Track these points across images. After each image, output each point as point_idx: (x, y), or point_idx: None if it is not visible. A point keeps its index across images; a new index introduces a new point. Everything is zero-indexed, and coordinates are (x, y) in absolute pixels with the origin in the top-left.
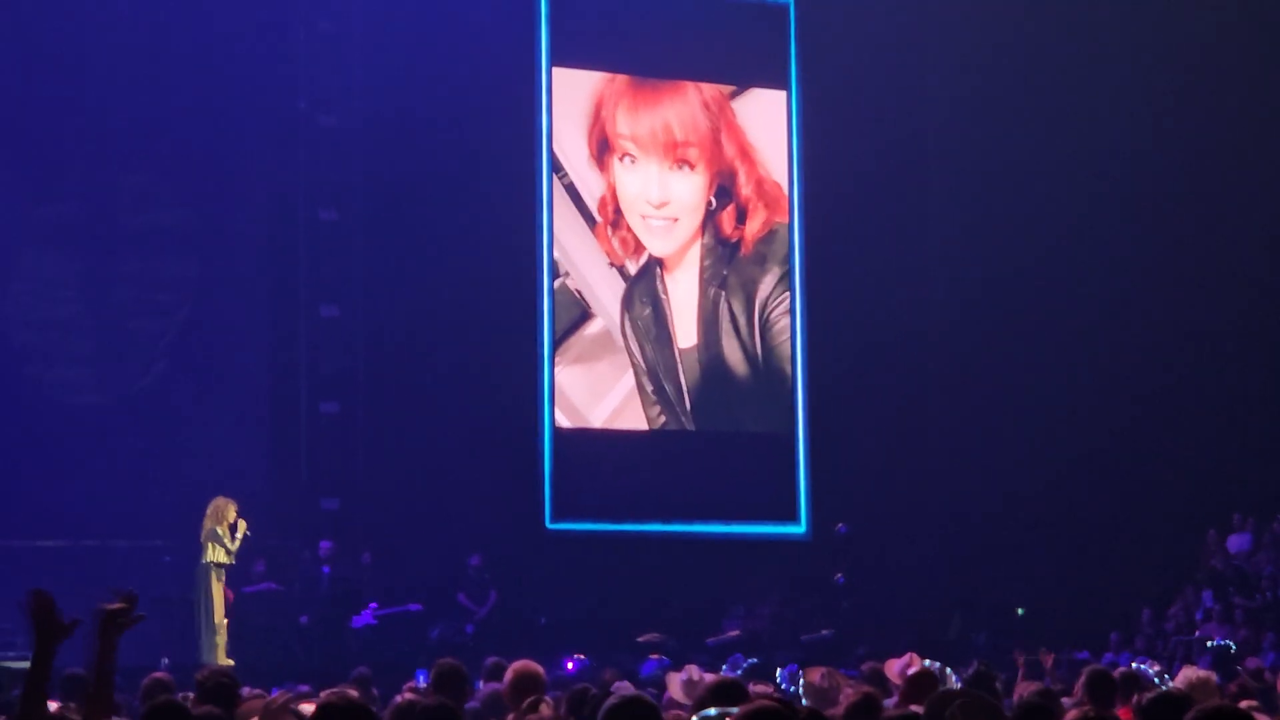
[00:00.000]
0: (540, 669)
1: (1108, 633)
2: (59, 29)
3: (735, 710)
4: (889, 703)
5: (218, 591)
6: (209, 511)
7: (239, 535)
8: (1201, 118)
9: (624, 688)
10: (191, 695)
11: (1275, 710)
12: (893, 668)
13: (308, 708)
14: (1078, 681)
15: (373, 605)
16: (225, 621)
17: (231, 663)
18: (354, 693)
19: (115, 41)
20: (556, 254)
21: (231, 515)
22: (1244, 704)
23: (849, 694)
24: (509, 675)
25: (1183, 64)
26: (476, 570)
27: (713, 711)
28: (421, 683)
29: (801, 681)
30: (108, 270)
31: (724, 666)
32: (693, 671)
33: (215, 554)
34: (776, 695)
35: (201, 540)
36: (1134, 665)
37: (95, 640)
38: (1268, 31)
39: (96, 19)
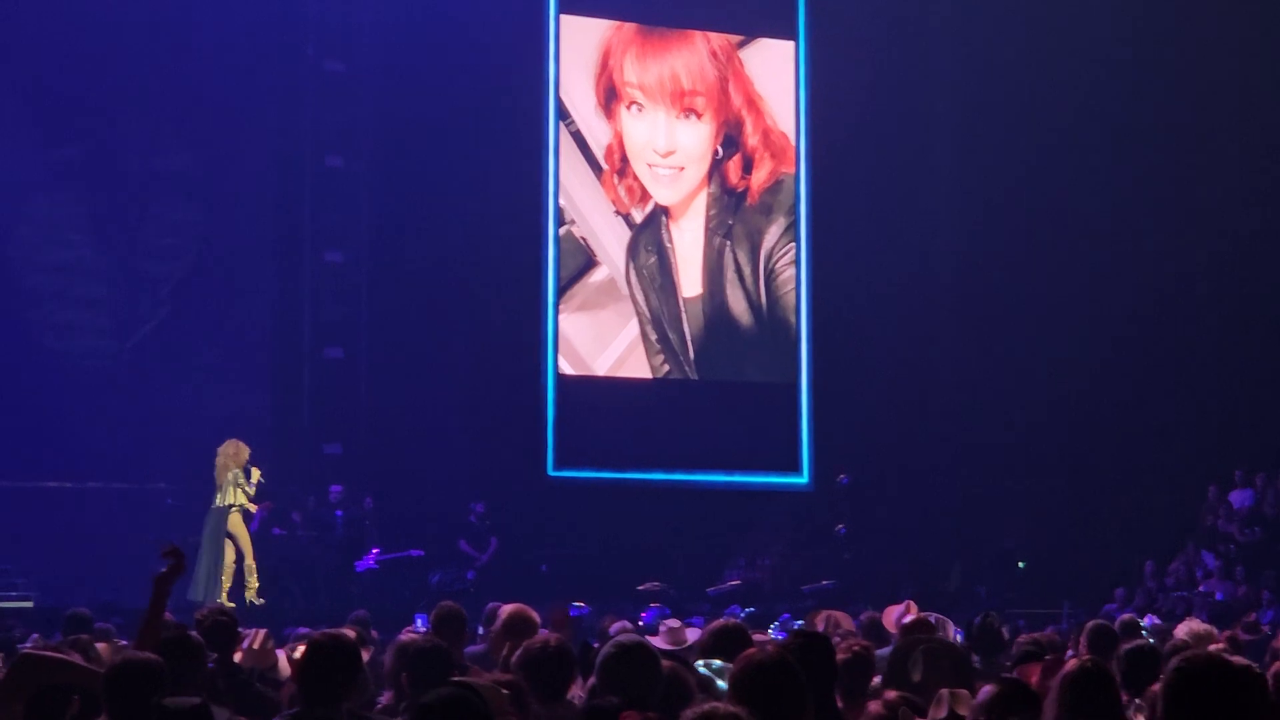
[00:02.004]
0: (534, 613)
1: (1109, 587)
2: None
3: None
4: (884, 651)
5: (243, 532)
6: (230, 453)
7: (254, 480)
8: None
9: (621, 627)
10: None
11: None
12: (890, 616)
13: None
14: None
15: (375, 550)
16: (254, 564)
17: (263, 601)
18: (351, 634)
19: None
20: (562, 201)
21: (245, 457)
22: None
23: (840, 645)
24: (501, 617)
25: (1196, 27)
26: (479, 517)
27: (717, 663)
28: (421, 626)
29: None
30: (114, 215)
31: (723, 616)
32: (673, 623)
33: (236, 496)
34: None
35: (218, 482)
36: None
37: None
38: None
39: None
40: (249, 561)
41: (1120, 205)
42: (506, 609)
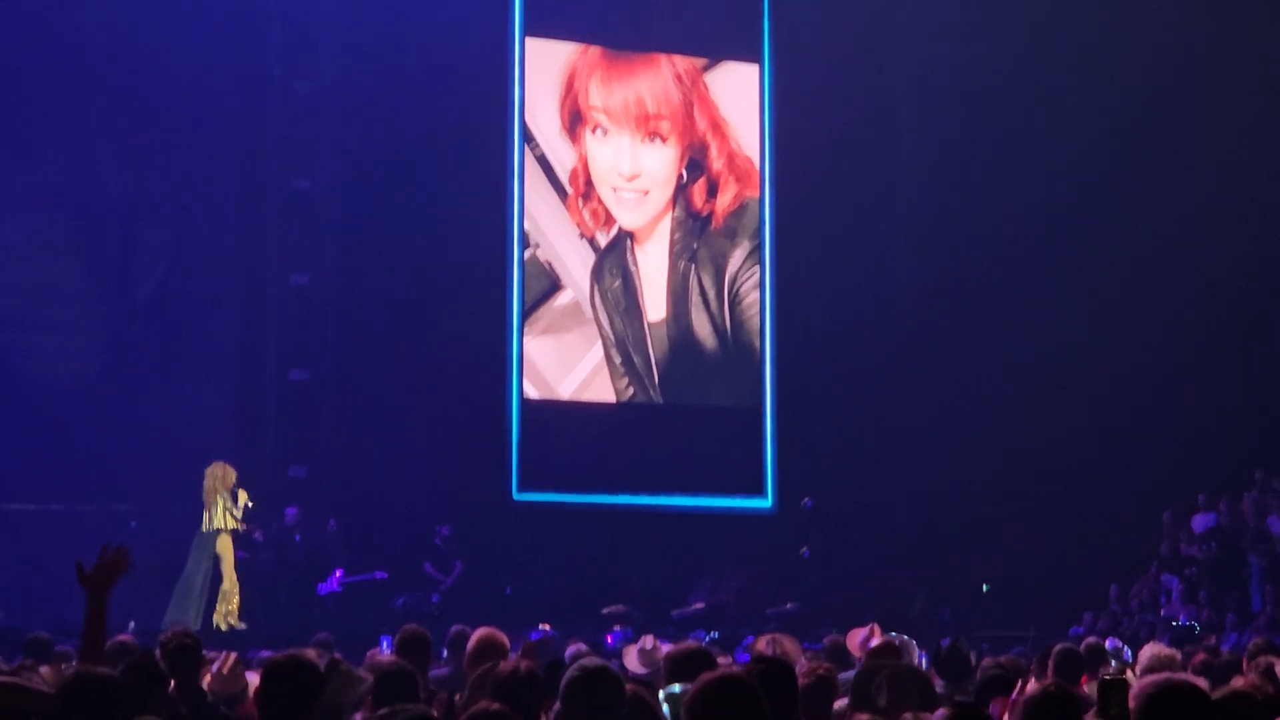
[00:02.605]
0: (504, 637)
1: (1075, 610)
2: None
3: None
4: (848, 675)
5: (228, 556)
6: (217, 475)
7: (241, 504)
8: (1169, 101)
9: (579, 650)
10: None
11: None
12: (854, 639)
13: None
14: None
15: (338, 573)
16: (237, 586)
17: (244, 626)
18: (312, 655)
19: (88, 9)
20: (527, 225)
21: (232, 480)
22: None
23: (803, 667)
24: (472, 642)
25: (1156, 41)
26: (445, 540)
27: (677, 688)
28: (386, 649)
29: (751, 650)
30: (79, 237)
31: (689, 640)
32: (646, 641)
33: (225, 520)
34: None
35: (206, 505)
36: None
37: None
38: (1237, 21)
39: None
40: (225, 586)
41: (1083, 241)
42: (476, 634)
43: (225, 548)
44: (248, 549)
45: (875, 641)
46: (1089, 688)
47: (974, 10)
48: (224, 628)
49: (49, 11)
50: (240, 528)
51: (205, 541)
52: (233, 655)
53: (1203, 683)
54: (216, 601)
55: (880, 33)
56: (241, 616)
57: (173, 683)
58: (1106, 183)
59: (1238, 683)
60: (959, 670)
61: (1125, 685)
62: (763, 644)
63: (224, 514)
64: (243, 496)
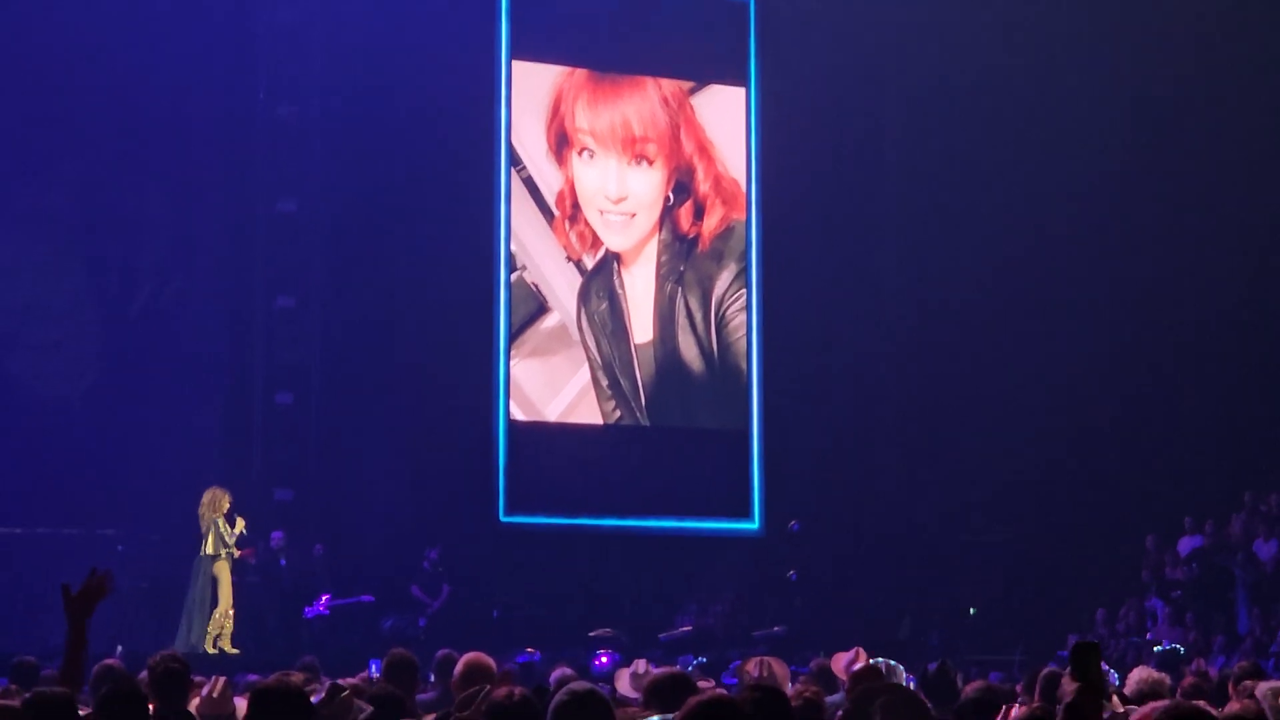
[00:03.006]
0: (491, 661)
1: (1059, 633)
2: (16, 17)
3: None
4: (835, 698)
5: (224, 580)
6: (206, 501)
7: (237, 530)
8: (1152, 115)
9: (564, 674)
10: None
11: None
12: (839, 662)
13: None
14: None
15: (325, 596)
16: (232, 611)
17: (237, 651)
18: (299, 678)
19: (77, 32)
20: (514, 247)
21: (225, 505)
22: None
23: (791, 690)
24: (459, 667)
25: (1138, 56)
26: (433, 563)
27: (656, 718)
28: (375, 673)
29: (739, 672)
30: (64, 260)
31: (677, 664)
32: (639, 665)
33: (215, 546)
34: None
35: (203, 530)
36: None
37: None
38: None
39: (62, 10)
40: (218, 611)
41: (1069, 269)
42: (464, 659)
43: (221, 571)
44: (237, 573)
45: (860, 665)
46: None
47: (960, 34)
48: (213, 651)
49: (40, 33)
50: (224, 553)
51: (201, 565)
52: (222, 680)
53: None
54: (209, 624)
55: (866, 56)
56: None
57: (153, 707)
58: (1097, 210)
59: (1232, 707)
60: (945, 693)
61: (1097, 648)
62: (751, 666)
63: (214, 540)
64: (240, 523)
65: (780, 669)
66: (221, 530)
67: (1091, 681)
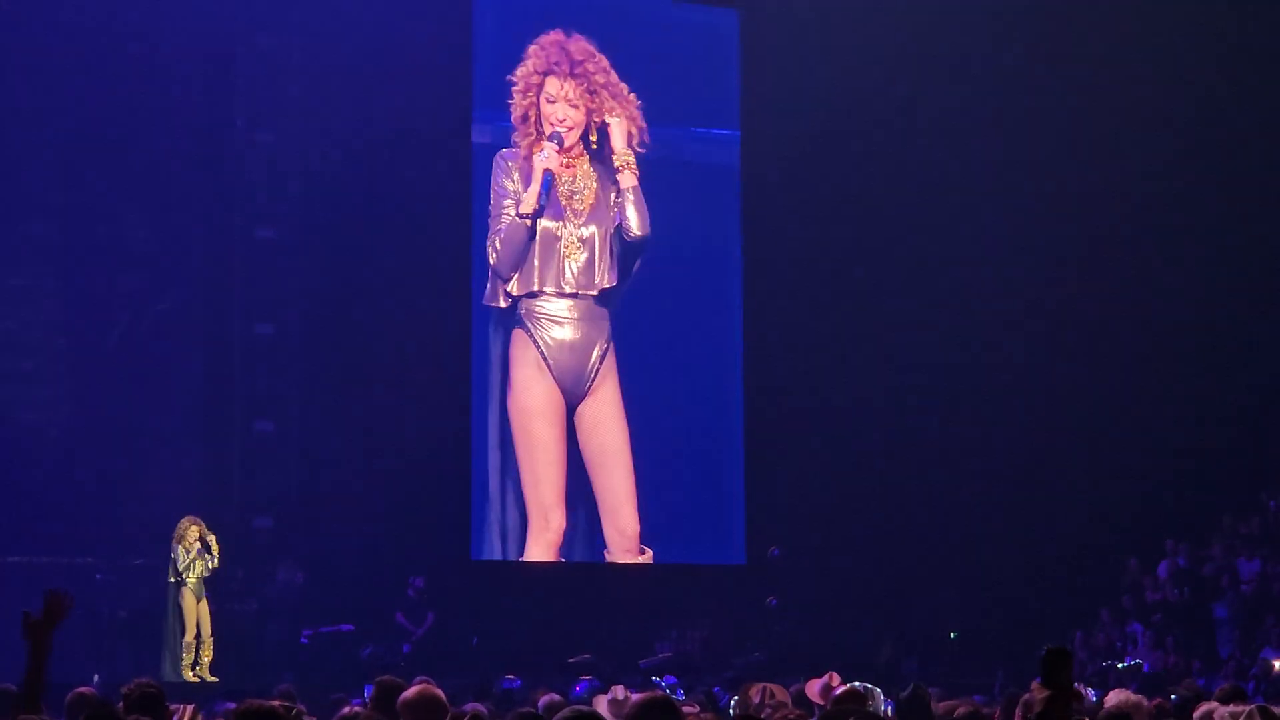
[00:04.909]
0: (441, 694)
1: (1038, 657)
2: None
3: None
4: None
5: (189, 608)
6: (180, 530)
7: (211, 559)
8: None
9: (552, 700)
10: None
11: None
12: (813, 688)
13: None
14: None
15: (306, 631)
16: (208, 639)
17: (216, 680)
18: (276, 705)
19: (54, 58)
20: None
21: (194, 535)
22: None
23: (776, 717)
24: (411, 696)
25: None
26: (419, 592)
27: None
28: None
29: (742, 697)
30: (42, 288)
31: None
32: (617, 691)
33: (191, 572)
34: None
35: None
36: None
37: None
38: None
39: (39, 36)
40: (187, 638)
41: (1051, 284)
42: (415, 689)
43: (185, 598)
44: (216, 600)
45: (839, 689)
46: None
47: (946, 75)
48: (193, 679)
49: (16, 59)
50: (174, 579)
51: (168, 593)
52: (190, 707)
53: None
54: (183, 652)
55: (852, 101)
56: (212, 669)
57: None
58: (1083, 236)
59: None
60: (920, 717)
61: (1068, 653)
62: (754, 693)
63: (170, 566)
64: (215, 550)
65: (782, 695)
66: (177, 555)
67: (1062, 687)
